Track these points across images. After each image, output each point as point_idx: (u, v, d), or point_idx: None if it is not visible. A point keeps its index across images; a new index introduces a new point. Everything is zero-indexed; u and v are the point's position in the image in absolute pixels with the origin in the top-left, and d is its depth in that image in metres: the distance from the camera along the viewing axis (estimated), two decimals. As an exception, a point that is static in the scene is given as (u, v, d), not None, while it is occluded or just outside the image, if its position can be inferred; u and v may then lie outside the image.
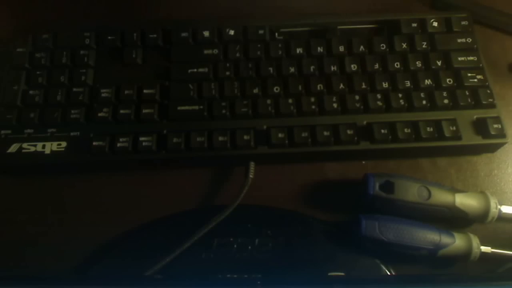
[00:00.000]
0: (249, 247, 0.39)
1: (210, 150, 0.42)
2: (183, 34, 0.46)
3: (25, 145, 0.42)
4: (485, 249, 0.38)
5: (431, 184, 0.40)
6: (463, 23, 0.47)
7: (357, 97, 0.43)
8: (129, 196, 0.43)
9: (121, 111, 0.43)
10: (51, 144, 0.42)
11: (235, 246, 0.39)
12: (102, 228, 0.41)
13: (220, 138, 0.42)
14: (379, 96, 0.43)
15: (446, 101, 0.43)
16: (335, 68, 0.44)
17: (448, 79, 0.44)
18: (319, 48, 0.45)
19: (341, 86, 0.44)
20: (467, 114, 0.43)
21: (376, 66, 0.44)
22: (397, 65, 0.45)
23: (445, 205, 0.39)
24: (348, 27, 0.48)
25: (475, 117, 0.43)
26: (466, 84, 0.44)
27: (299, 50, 0.45)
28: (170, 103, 0.43)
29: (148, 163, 0.43)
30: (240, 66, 0.44)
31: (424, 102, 0.43)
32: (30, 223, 0.42)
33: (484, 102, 0.43)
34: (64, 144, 0.42)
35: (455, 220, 0.40)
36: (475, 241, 0.38)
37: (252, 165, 0.41)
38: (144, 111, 0.43)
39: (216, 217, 0.38)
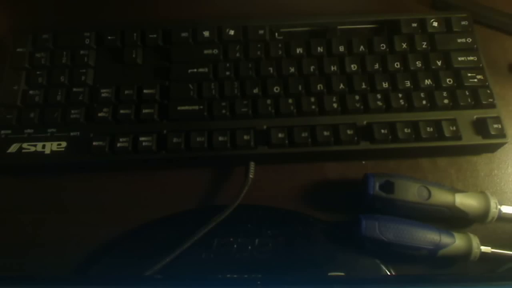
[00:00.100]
0: (249, 247, 0.39)
1: (210, 150, 0.42)
2: (183, 34, 0.46)
3: (25, 145, 0.42)
4: (485, 249, 0.38)
5: (431, 184, 0.40)
6: (463, 23, 0.47)
7: (357, 97, 0.43)
8: (129, 196, 0.43)
9: (121, 111, 0.43)
10: (51, 144, 0.42)
11: (235, 246, 0.39)
12: (102, 228, 0.41)
13: (220, 138, 0.42)
14: (379, 96, 0.43)
15: (446, 101, 0.43)
16: (335, 68, 0.44)
17: (448, 79, 0.44)
18: (319, 48, 0.45)
19: (341, 86, 0.44)
20: (467, 114, 0.43)
21: (376, 66, 0.44)
22: (397, 65, 0.45)
23: (445, 205, 0.39)
24: (348, 27, 0.48)
25: (475, 117, 0.43)
26: (466, 84, 0.44)
27: (299, 50, 0.45)
28: (170, 103, 0.43)
29: (148, 163, 0.43)
30: (240, 66, 0.44)
31: (424, 102, 0.43)
32: (30, 223, 0.42)
33: (484, 102, 0.43)
34: (64, 144, 0.42)
35: (455, 220, 0.40)
36: (475, 241, 0.38)
37: (252, 165, 0.41)
38: (144, 111, 0.43)
39: (216, 217, 0.38)
